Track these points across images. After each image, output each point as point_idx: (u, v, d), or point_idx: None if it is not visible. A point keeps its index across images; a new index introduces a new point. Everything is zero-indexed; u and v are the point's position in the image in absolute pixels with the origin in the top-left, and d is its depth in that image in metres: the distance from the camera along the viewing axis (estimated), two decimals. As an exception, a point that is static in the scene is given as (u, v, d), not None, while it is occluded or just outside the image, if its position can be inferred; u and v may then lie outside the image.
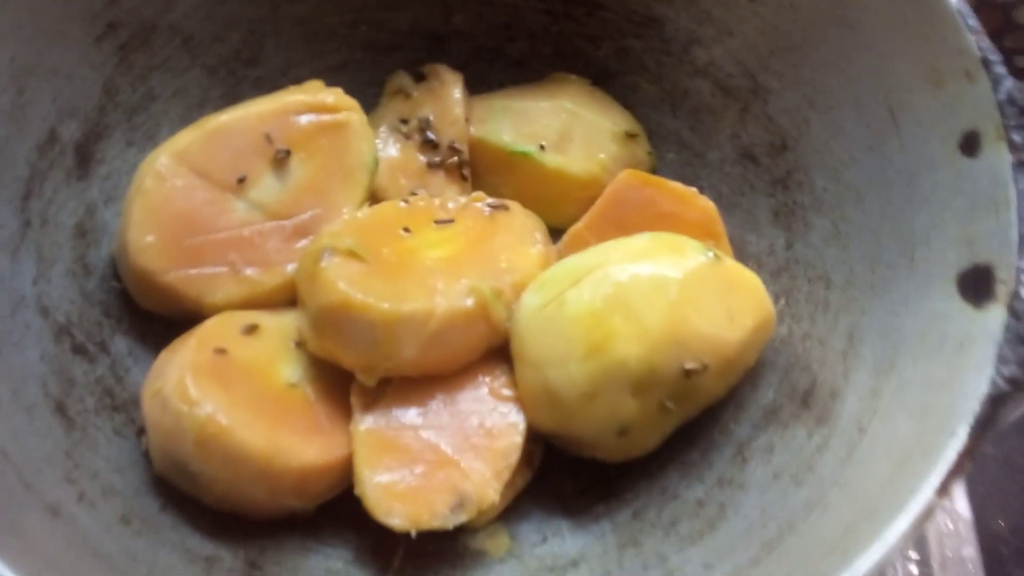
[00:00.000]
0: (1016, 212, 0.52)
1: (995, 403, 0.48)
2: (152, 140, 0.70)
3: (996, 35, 0.96)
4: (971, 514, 0.72)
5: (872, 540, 0.45)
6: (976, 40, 0.57)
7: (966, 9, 0.58)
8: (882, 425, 0.53)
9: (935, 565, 0.70)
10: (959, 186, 0.56)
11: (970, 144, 0.56)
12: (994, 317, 0.50)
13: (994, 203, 0.54)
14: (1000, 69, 0.56)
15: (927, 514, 0.46)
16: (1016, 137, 0.54)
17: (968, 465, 0.47)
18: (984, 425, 0.47)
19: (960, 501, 0.73)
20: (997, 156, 0.54)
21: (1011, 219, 0.52)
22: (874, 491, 0.50)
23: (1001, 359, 0.49)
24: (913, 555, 0.71)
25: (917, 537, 0.72)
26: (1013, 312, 0.50)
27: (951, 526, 0.71)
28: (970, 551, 0.71)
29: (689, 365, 0.58)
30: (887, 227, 0.61)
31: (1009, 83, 0.55)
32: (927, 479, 0.46)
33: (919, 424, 0.51)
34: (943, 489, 0.46)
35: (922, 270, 0.57)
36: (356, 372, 0.59)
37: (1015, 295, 0.50)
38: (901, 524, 0.45)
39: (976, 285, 0.53)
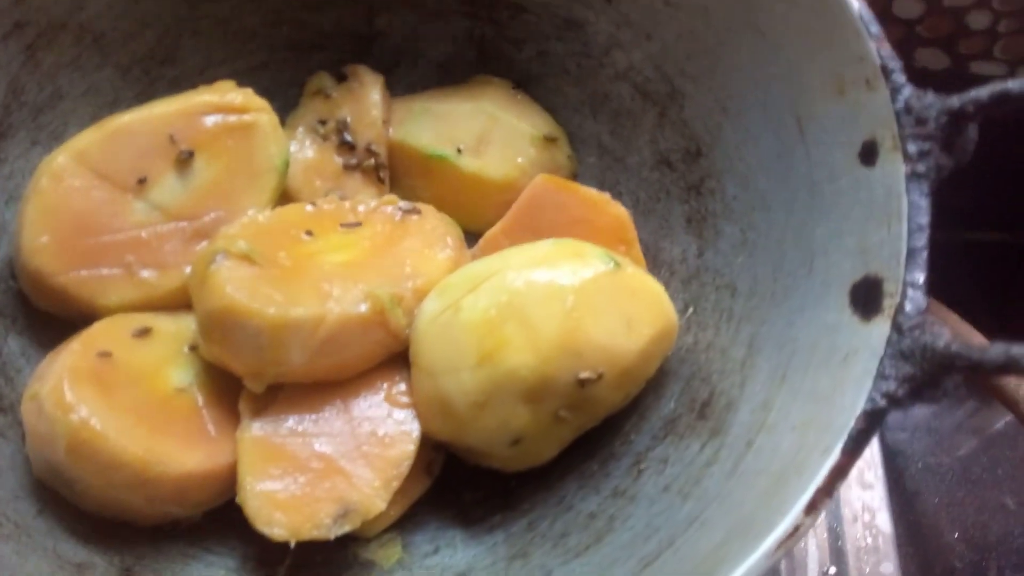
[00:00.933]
0: (907, 224, 0.51)
1: (871, 419, 0.46)
2: (59, 139, 0.69)
3: (950, 40, 0.96)
4: (892, 529, 0.71)
5: (738, 560, 0.44)
6: (876, 47, 0.56)
7: (868, 16, 0.56)
8: (768, 438, 0.52)
9: (851, 580, 0.69)
10: (857, 196, 0.55)
11: (868, 153, 0.55)
12: (879, 331, 0.49)
13: (887, 214, 0.52)
14: (899, 77, 0.55)
15: (795, 533, 0.44)
16: (911, 147, 0.53)
17: (840, 482, 0.46)
18: (859, 441, 0.46)
19: (881, 515, 0.72)
20: (892, 166, 0.53)
21: (902, 231, 0.51)
22: (750, 507, 0.48)
23: (881, 374, 0.47)
24: (831, 569, 0.70)
25: (835, 553, 0.71)
26: (896, 326, 0.48)
27: (870, 541, 0.70)
28: (889, 567, 0.69)
29: (584, 375, 0.57)
30: (790, 236, 0.59)
31: (907, 91, 0.54)
32: (797, 497, 0.45)
33: (800, 438, 0.49)
34: (812, 507, 0.45)
35: (819, 280, 0.56)
36: (244, 378, 0.58)
37: (900, 309, 0.49)
38: (767, 543, 0.44)
39: (866, 297, 0.52)
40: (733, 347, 0.60)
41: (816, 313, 0.55)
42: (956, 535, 0.90)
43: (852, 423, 0.47)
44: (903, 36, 0.96)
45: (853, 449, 0.46)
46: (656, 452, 0.59)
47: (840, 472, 0.46)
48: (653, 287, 0.62)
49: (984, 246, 1.11)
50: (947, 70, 0.96)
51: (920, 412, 0.97)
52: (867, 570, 0.69)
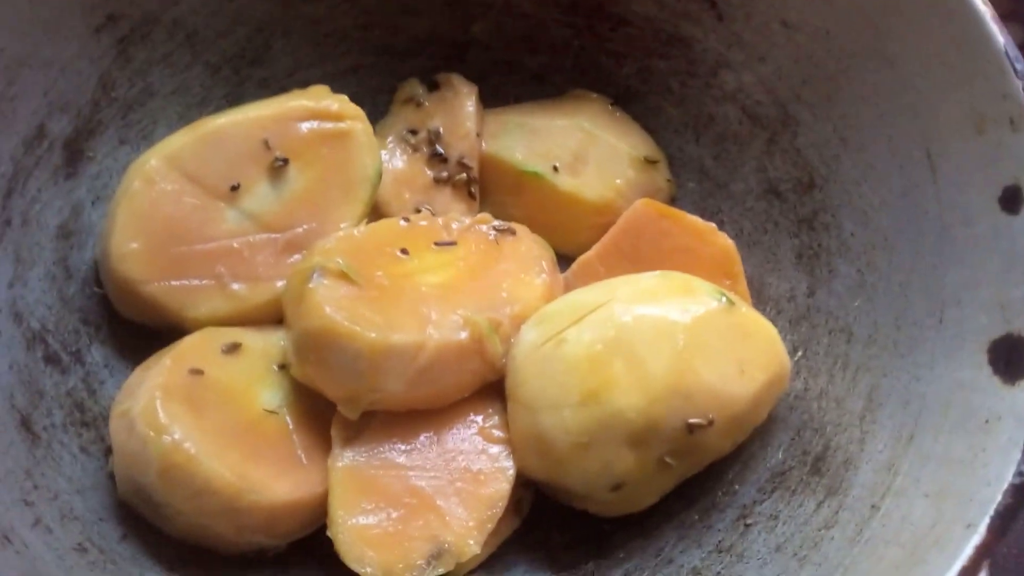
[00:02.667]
0: (1058, 280, 0.48)
1: (1020, 494, 0.43)
2: (147, 139, 0.67)
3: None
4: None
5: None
6: (1023, 87, 0.52)
7: (1014, 52, 0.53)
8: (896, 504, 0.49)
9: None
10: (997, 244, 0.52)
11: (1011, 199, 0.52)
12: (1026, 397, 0.46)
13: (1034, 267, 0.49)
14: (1050, 120, 0.52)
15: (937, 615, 0.42)
16: (1063, 197, 0.50)
17: (985, 562, 0.43)
18: (1006, 518, 0.43)
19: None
20: (1040, 216, 0.50)
21: (1052, 288, 0.48)
22: (881, 581, 0.46)
23: (1031, 445, 0.44)
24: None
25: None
26: (1048, 393, 0.45)
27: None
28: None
29: (693, 420, 0.54)
30: (916, 282, 0.56)
31: (1059, 137, 0.51)
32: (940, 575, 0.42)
33: (935, 508, 0.46)
34: (957, 588, 0.42)
35: (951, 333, 0.53)
36: (338, 403, 0.56)
37: (1051, 373, 0.46)
38: (909, 628, 0.41)
39: (1009, 357, 0.49)
40: (849, 398, 0.57)
41: (948, 370, 0.52)
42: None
43: (999, 497, 0.44)
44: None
45: (1000, 526, 0.43)
46: (764, 507, 0.56)
47: (986, 550, 0.43)
48: (766, 328, 0.59)
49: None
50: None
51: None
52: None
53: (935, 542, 0.44)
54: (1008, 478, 0.44)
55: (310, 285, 0.56)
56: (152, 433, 0.52)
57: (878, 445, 0.53)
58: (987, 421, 0.47)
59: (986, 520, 0.43)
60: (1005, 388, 0.48)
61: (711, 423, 0.54)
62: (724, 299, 0.58)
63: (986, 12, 0.54)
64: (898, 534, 0.47)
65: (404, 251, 0.61)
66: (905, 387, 0.54)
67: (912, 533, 0.47)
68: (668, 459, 0.55)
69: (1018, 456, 0.44)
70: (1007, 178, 0.52)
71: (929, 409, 0.51)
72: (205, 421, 0.54)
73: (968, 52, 0.54)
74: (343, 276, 0.57)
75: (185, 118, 0.68)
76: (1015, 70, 0.53)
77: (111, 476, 0.56)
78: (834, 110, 0.63)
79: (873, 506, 0.50)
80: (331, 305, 0.55)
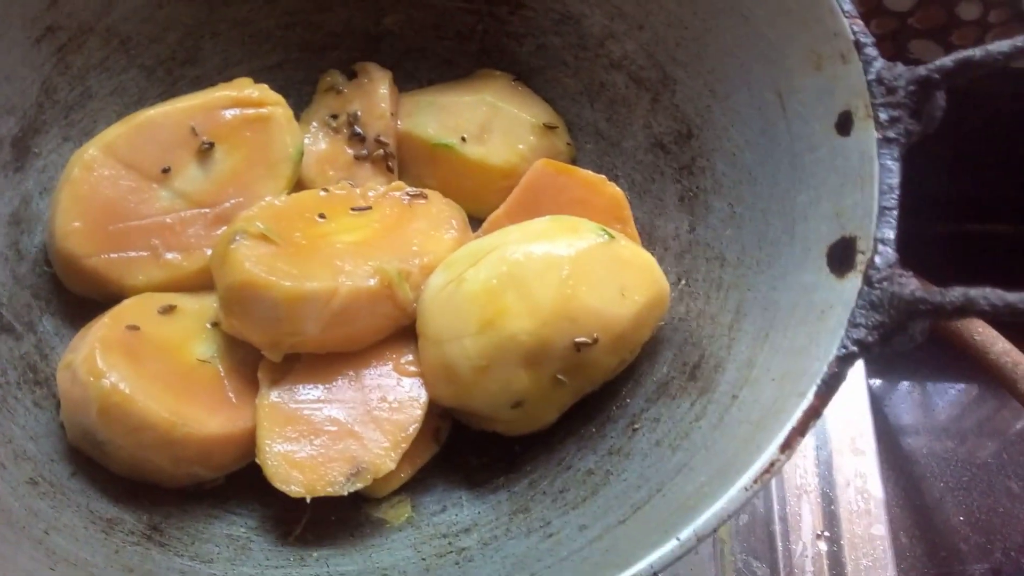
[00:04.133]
0: (878, 186, 0.54)
1: (842, 363, 0.50)
2: (89, 135, 0.73)
3: (942, 31, 0.99)
4: (884, 494, 0.74)
5: (718, 495, 0.47)
6: (850, 23, 0.59)
7: (842, -9, 0.60)
8: (751, 391, 0.55)
9: (844, 543, 0.71)
10: (834, 163, 0.58)
11: (844, 123, 0.58)
12: (852, 285, 0.52)
13: (861, 178, 0.56)
14: (871, 51, 0.58)
15: (770, 468, 0.48)
16: (882, 115, 0.56)
17: (813, 423, 0.49)
18: (830, 384, 0.49)
19: (872, 480, 0.74)
20: (865, 133, 0.57)
21: (874, 192, 0.54)
22: (732, 452, 0.52)
23: (852, 323, 0.51)
24: (824, 532, 0.72)
25: (828, 516, 0.74)
26: (867, 280, 0.52)
27: (862, 504, 0.73)
28: (880, 529, 0.72)
29: (580, 339, 0.60)
30: (774, 206, 0.63)
31: (879, 64, 0.58)
32: (774, 438, 0.48)
33: (778, 388, 0.53)
34: (786, 445, 0.48)
35: (800, 245, 0.59)
36: (263, 348, 0.62)
37: (871, 264, 0.52)
38: (744, 478, 0.47)
39: (841, 256, 0.55)
40: (722, 313, 0.63)
41: (797, 276, 0.58)
42: (961, 518, 0.92)
43: (825, 368, 0.50)
44: (896, 28, 0.99)
45: (825, 392, 0.49)
46: (650, 412, 0.63)
47: (813, 413, 0.49)
48: (645, 257, 0.65)
49: (999, 237, 1.13)
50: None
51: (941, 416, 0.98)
52: (859, 532, 0.72)
53: (775, 413, 0.51)
54: (833, 352, 0.50)
55: (232, 246, 0.62)
56: (92, 378, 0.58)
57: (742, 348, 0.59)
58: (823, 311, 0.54)
59: (813, 388, 0.49)
60: (837, 282, 0.54)
61: (596, 341, 0.60)
62: (606, 235, 0.64)
63: (815, -39, 0.61)
64: (750, 414, 0.54)
65: (322, 216, 0.67)
66: (764, 296, 0.60)
67: (760, 411, 0.53)
68: (561, 376, 0.61)
69: (842, 333, 0.51)
70: (841, 105, 0.59)
71: (782, 311, 0.58)
72: (141, 368, 0.60)
73: (805, 0, 0.61)
74: (263, 237, 0.63)
75: (123, 116, 0.75)
76: (843, 9, 0.60)
77: (62, 426, 0.62)
78: (703, 66, 0.70)
79: (733, 396, 0.56)
80: (250, 261, 0.61)
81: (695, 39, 0.70)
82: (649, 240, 0.72)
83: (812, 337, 0.53)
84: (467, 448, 0.66)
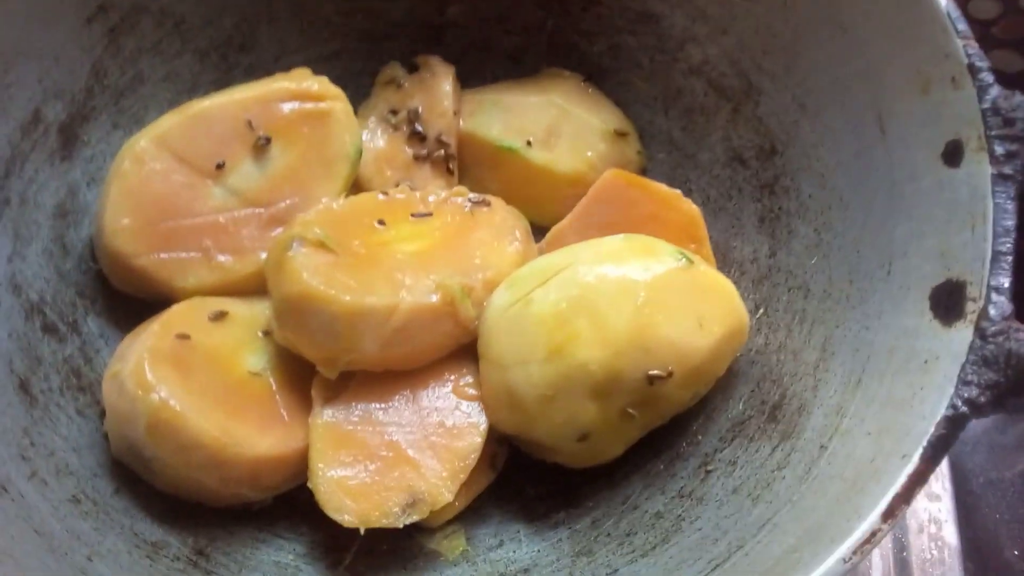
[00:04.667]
0: (992, 227, 0.50)
1: (951, 426, 0.46)
2: (139, 123, 0.70)
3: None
4: (959, 542, 0.70)
5: (812, 565, 0.44)
6: (964, 45, 0.55)
7: (956, 13, 0.55)
8: (842, 443, 0.51)
9: (916, 590, 0.68)
10: (939, 197, 0.54)
11: (953, 154, 0.54)
12: (961, 336, 0.48)
13: (971, 216, 0.52)
14: (987, 76, 0.54)
15: (871, 539, 0.44)
16: (998, 148, 0.52)
17: (919, 489, 0.45)
18: (939, 448, 0.45)
19: (948, 527, 0.70)
20: (978, 167, 0.52)
21: (987, 234, 0.50)
22: (823, 512, 0.48)
23: (963, 380, 0.47)
24: (894, 579, 0.69)
25: (900, 564, 0.70)
26: (980, 332, 0.48)
27: (935, 552, 0.69)
28: (954, 578, 0.68)
29: (653, 371, 0.57)
30: (868, 237, 0.59)
31: (995, 91, 0.53)
32: (875, 503, 0.45)
33: (876, 444, 0.49)
34: (889, 514, 0.44)
35: (898, 283, 0.55)
36: (317, 364, 0.59)
37: (983, 314, 0.48)
38: (842, 549, 0.44)
39: (948, 301, 0.51)
40: (805, 350, 0.59)
41: (895, 317, 0.54)
42: (1016, 552, 0.88)
43: (932, 429, 0.46)
44: (978, 37, 0.94)
45: (933, 456, 0.46)
46: (724, 454, 0.59)
47: (919, 479, 0.45)
48: (725, 285, 0.61)
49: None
50: (1021, 72, 0.94)
51: (980, 424, 0.94)
52: (932, 582, 0.68)
53: (874, 474, 0.47)
54: (941, 411, 0.46)
55: (289, 253, 0.59)
56: (140, 392, 0.55)
57: (829, 391, 0.55)
58: (926, 361, 0.50)
59: (919, 451, 0.46)
60: (943, 330, 0.50)
61: (670, 375, 0.57)
62: (684, 259, 0.60)
63: (930, -25, 0.56)
64: (842, 470, 0.50)
65: (381, 222, 0.64)
66: (855, 336, 0.56)
67: (855, 468, 0.49)
68: (630, 410, 0.57)
69: (951, 391, 0.47)
70: (949, 133, 0.54)
71: (876, 355, 0.54)
72: (191, 381, 0.57)
73: (913, 15, 0.57)
74: (321, 245, 0.60)
75: (175, 103, 0.71)
76: (956, 30, 0.55)
77: (106, 436, 0.59)
78: (792, 78, 0.66)
79: (822, 446, 0.53)
80: (308, 271, 0.58)
81: (785, 48, 0.66)
82: (724, 262, 0.68)
83: (914, 390, 0.49)
84: (523, 476, 0.63)
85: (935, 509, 0.70)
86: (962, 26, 0.55)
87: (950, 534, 0.70)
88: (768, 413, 0.59)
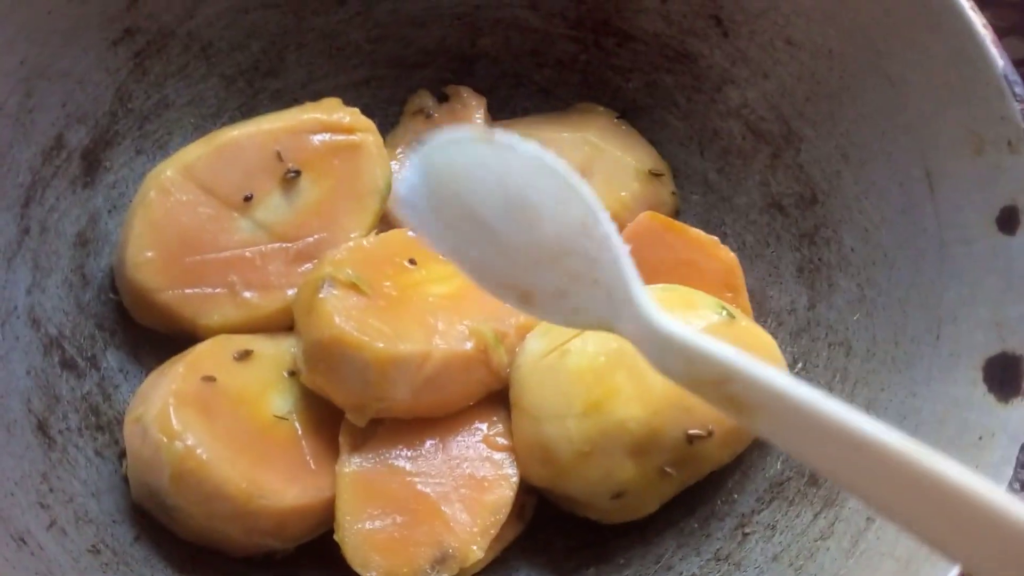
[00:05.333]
0: (1052, 300, 0.49)
1: (1012, 510, 0.44)
2: (163, 149, 0.68)
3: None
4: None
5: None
6: (1021, 109, 0.53)
7: (1013, 75, 0.54)
8: (890, 517, 0.50)
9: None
10: (993, 264, 0.53)
11: (1008, 220, 0.53)
12: (1019, 414, 0.47)
13: (1029, 288, 0.50)
14: (1046, 142, 0.52)
15: (928, 627, 0.43)
16: (1057, 218, 0.51)
17: (977, 576, 0.43)
18: (998, 533, 0.44)
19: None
20: (1035, 236, 0.51)
21: (1046, 307, 0.49)
22: (875, 592, 0.47)
23: (1021, 463, 0.45)
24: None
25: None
26: (1040, 411, 0.46)
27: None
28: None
29: (693, 431, 0.55)
30: (915, 298, 0.57)
31: (1054, 158, 0.52)
32: (932, 588, 0.43)
33: (929, 522, 0.47)
34: (947, 601, 0.43)
35: (947, 350, 0.54)
36: (346, 411, 0.57)
37: (1044, 392, 0.47)
38: (899, 637, 0.42)
39: (1004, 375, 0.50)
40: (848, 410, 0.58)
41: (944, 386, 0.53)
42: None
43: (991, 513, 0.44)
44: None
45: (992, 541, 0.44)
46: (762, 516, 0.58)
47: (977, 565, 0.44)
48: (766, 341, 0.60)
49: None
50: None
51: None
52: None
53: (928, 556, 0.45)
54: (999, 494, 0.45)
55: (320, 295, 0.57)
56: (165, 439, 0.53)
57: (874, 459, 0.54)
58: (980, 438, 0.48)
59: (977, 535, 0.44)
60: (999, 405, 0.49)
61: (711, 434, 0.55)
62: (724, 313, 0.59)
63: (986, 35, 0.55)
64: (893, 547, 0.48)
65: (412, 261, 0.62)
66: (902, 402, 0.55)
67: (907, 546, 0.47)
68: (668, 468, 0.56)
69: (1010, 473, 0.45)
70: (1004, 199, 0.53)
71: (925, 424, 0.52)
72: (217, 427, 0.55)
73: (967, 73, 0.55)
74: (352, 287, 0.58)
75: (200, 128, 0.70)
76: (1014, 93, 0.54)
77: (125, 479, 0.57)
78: (836, 127, 0.64)
79: (868, 518, 0.51)
80: (341, 315, 0.56)
81: (829, 96, 0.64)
82: (760, 311, 0.66)
83: (968, 467, 0.47)
84: (551, 527, 0.61)
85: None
86: (1020, 89, 0.54)
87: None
88: (808, 476, 0.57)
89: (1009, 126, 0.53)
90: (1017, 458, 0.46)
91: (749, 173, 0.70)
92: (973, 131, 0.55)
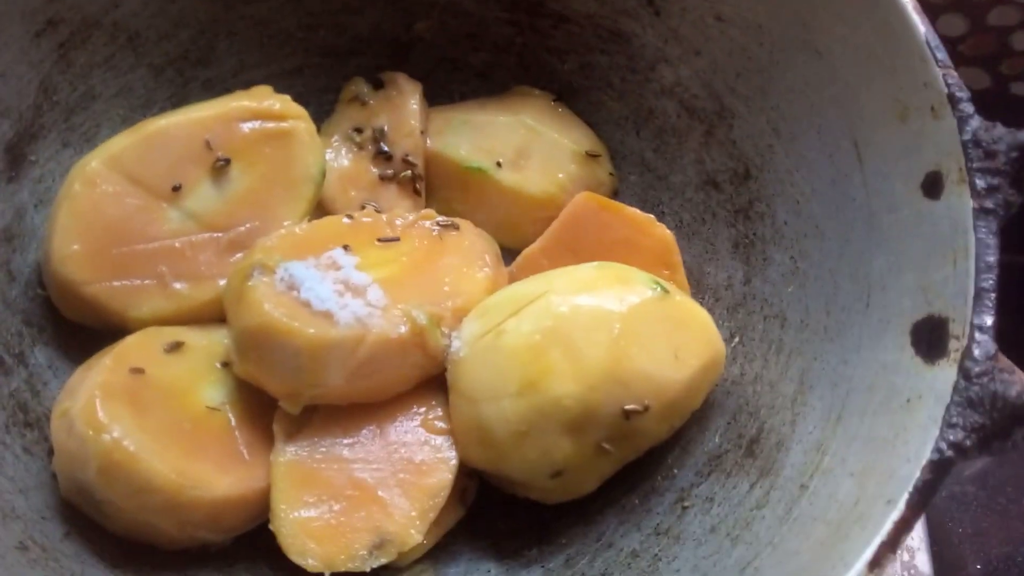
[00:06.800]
0: (975, 262, 0.49)
1: (937, 470, 0.45)
2: (91, 142, 0.67)
3: (992, 60, 0.93)
4: (931, 570, 0.69)
5: (796, 614, 0.42)
6: (944, 75, 0.54)
7: (935, 41, 0.54)
8: (823, 483, 0.50)
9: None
10: (919, 229, 0.53)
11: (932, 185, 0.53)
12: (945, 375, 0.47)
13: (953, 251, 0.51)
14: (967, 107, 0.53)
15: (857, 587, 0.43)
16: (979, 181, 0.51)
17: (905, 537, 0.44)
18: (925, 493, 0.44)
19: (920, 556, 0.70)
20: (959, 200, 0.51)
21: (969, 269, 0.49)
22: (806, 557, 0.47)
23: (948, 422, 0.46)
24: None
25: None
26: (964, 372, 0.47)
27: (908, 580, 0.68)
28: (926, 607, 0.68)
29: (629, 406, 0.55)
30: (845, 267, 0.58)
31: (975, 122, 0.52)
32: (860, 550, 0.43)
33: (859, 486, 0.48)
34: (875, 563, 0.43)
35: (877, 317, 0.54)
36: (280, 398, 0.57)
37: (967, 353, 0.47)
38: (827, 599, 0.42)
39: (929, 338, 0.50)
40: (782, 381, 0.58)
41: (874, 352, 0.53)
42: (979, 567, 0.87)
43: (918, 473, 0.45)
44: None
45: (919, 502, 0.44)
46: (701, 489, 0.58)
47: (905, 526, 0.44)
48: (701, 315, 0.60)
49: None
50: (987, 90, 0.94)
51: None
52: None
53: (858, 518, 0.46)
54: (927, 455, 0.45)
55: (249, 283, 0.57)
56: (91, 432, 0.52)
57: (808, 427, 0.54)
58: (908, 400, 0.49)
59: (905, 496, 0.44)
60: (926, 368, 0.49)
61: (647, 409, 0.55)
62: (659, 288, 0.59)
63: (907, 2, 0.55)
64: (825, 511, 0.49)
65: (346, 247, 0.61)
66: (834, 370, 0.55)
67: (838, 510, 0.48)
68: (606, 445, 0.56)
69: (936, 433, 0.46)
70: (929, 164, 0.54)
71: (856, 390, 0.53)
72: (146, 419, 0.54)
73: (891, 43, 0.56)
74: (277, 273, 0.57)
75: (129, 120, 0.68)
76: (935, 59, 0.54)
77: (54, 476, 0.56)
78: (767, 102, 0.64)
79: (802, 485, 0.51)
80: (270, 302, 0.56)
81: (760, 71, 0.65)
82: (698, 288, 0.66)
83: (897, 430, 0.48)
84: (494, 510, 0.61)
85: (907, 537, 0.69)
86: (941, 55, 0.54)
87: (923, 563, 0.69)
88: (745, 447, 0.58)
89: (932, 92, 0.54)
90: (943, 418, 0.46)
91: (684, 151, 0.70)
92: (898, 99, 0.56)
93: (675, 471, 0.60)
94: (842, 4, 0.58)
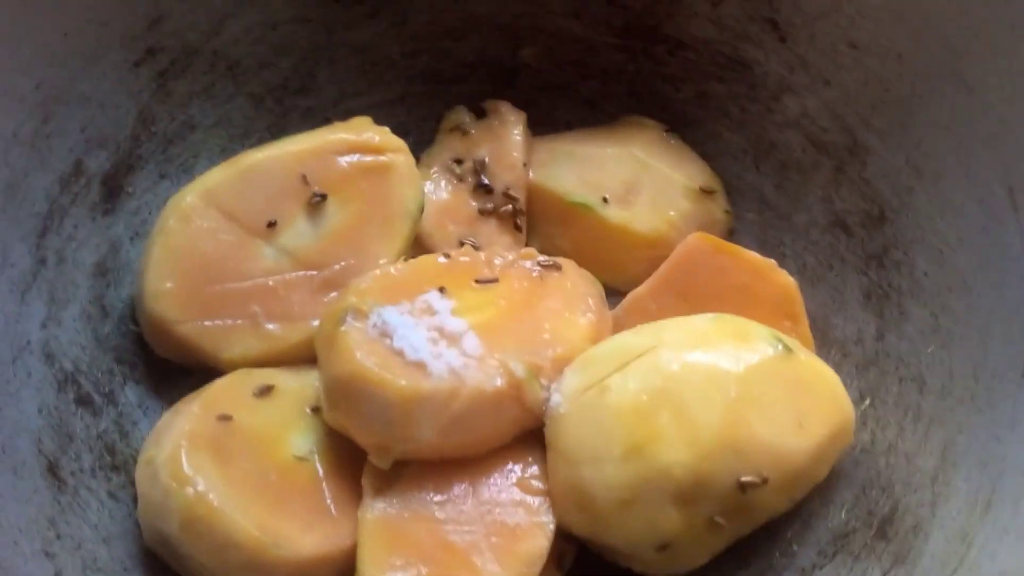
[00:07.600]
0: None
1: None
2: (188, 173, 0.66)
3: None
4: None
5: None
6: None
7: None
8: (970, 579, 0.44)
9: None
10: (1088, 291, 0.47)
11: (1104, 241, 0.47)
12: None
13: None
14: None
15: None
16: None
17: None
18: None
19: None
20: None
21: None
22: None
23: None
24: None
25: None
26: None
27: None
28: None
29: (745, 478, 0.50)
30: (997, 328, 0.51)
31: None
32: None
33: (1015, 589, 0.42)
34: None
35: (1036, 390, 0.48)
36: (369, 451, 0.54)
37: None
38: None
39: (1103, 420, 0.43)
40: (921, 455, 0.52)
41: (1032, 430, 0.47)
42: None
43: (1089, 584, 0.39)
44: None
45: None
46: (825, 572, 0.52)
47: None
48: (828, 376, 0.54)
49: None
50: None
51: None
52: None
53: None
54: (1100, 561, 0.39)
55: (342, 328, 0.54)
56: (175, 484, 0.50)
57: (951, 511, 0.48)
58: (1076, 493, 0.42)
59: (1072, 608, 0.38)
60: (1098, 455, 0.43)
61: (765, 481, 0.50)
62: (781, 346, 0.53)
63: (1076, 32, 0.49)
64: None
65: (442, 289, 0.58)
66: (983, 447, 0.49)
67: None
68: (718, 519, 0.51)
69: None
70: (1100, 216, 0.47)
71: (1009, 474, 0.47)
72: (231, 470, 0.52)
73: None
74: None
75: (227, 151, 0.67)
76: (1108, 96, 0.48)
77: (137, 523, 0.54)
78: (907, 138, 0.59)
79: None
80: (362, 350, 0.53)
81: (899, 104, 0.59)
82: (823, 341, 0.61)
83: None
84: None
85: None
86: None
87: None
88: (876, 527, 0.52)
89: (1104, 135, 0.47)
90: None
91: (810, 189, 0.65)
92: (1061, 141, 0.49)
93: (795, 548, 0.54)
94: (998, 31, 0.52)
